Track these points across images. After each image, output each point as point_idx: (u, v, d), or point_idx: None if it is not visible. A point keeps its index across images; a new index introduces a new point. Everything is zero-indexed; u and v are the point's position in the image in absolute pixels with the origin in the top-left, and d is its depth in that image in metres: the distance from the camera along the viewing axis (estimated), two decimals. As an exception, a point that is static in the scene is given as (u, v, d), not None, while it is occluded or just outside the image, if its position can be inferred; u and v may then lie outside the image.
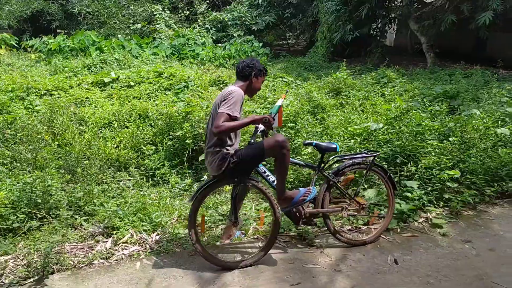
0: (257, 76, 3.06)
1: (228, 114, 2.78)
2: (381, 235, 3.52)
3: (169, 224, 3.74)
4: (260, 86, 3.14)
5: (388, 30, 17.21)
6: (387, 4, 14.31)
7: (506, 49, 15.88)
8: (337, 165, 3.41)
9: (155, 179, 4.73)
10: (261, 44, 15.12)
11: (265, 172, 3.17)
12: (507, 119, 5.54)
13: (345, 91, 7.65)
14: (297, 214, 3.17)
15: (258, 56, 13.68)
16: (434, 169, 4.11)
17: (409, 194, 3.88)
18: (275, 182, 3.07)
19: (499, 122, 5.43)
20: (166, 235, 3.56)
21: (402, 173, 4.20)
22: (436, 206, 4.02)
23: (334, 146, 3.22)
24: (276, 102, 3.25)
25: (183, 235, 3.55)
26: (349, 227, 3.70)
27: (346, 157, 3.36)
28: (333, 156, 3.44)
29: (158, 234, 3.61)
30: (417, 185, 3.98)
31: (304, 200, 3.04)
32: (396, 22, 16.92)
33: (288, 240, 3.51)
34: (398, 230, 3.65)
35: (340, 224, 3.74)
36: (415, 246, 3.41)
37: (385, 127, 4.71)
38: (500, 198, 4.28)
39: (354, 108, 6.24)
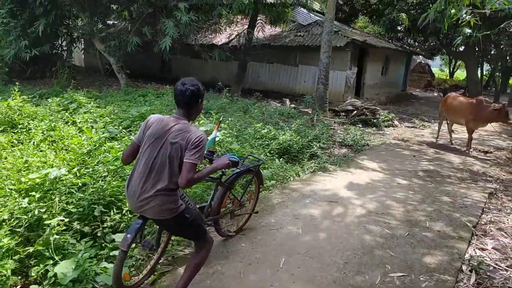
0: (202, 99, 2.75)
1: (197, 165, 2.58)
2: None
3: None
4: (202, 107, 2.85)
5: (74, 50, 15.92)
6: (68, 22, 13.03)
7: (186, 69, 17.90)
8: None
9: None
10: None
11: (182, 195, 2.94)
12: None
13: (23, 123, 6.03)
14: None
15: None
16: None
17: (116, 253, 3.06)
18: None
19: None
20: None
21: (105, 225, 3.34)
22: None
23: (237, 160, 3.18)
24: (211, 135, 3.39)
25: None
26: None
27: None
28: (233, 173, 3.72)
29: None
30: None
31: None
32: (83, 41, 15.86)
33: None
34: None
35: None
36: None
37: (76, 168, 3.70)
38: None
39: (34, 146, 4.83)
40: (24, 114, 6.22)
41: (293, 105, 12.59)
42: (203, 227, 2.90)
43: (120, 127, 5.99)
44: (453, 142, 9.30)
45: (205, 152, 3.22)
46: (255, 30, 13.67)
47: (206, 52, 13.61)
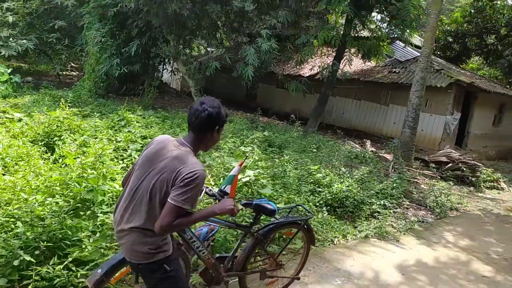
0: (221, 127, 2.21)
1: (184, 209, 1.99)
2: None
3: None
4: (220, 137, 2.31)
5: (163, 71, 16.64)
6: (158, 44, 13.56)
7: (270, 99, 17.46)
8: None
9: None
10: (9, 70, 12.05)
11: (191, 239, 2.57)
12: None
13: (61, 136, 5.88)
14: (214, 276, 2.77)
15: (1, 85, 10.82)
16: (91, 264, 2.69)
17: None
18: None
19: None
20: None
21: (39, 277, 2.61)
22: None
23: (274, 208, 2.81)
24: (231, 171, 2.89)
25: None
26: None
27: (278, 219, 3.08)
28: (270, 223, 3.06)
29: None
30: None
31: None
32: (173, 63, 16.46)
33: None
34: None
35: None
36: None
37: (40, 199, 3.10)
38: None
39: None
40: (65, 127, 6.08)
41: (373, 148, 11.05)
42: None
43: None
44: None
45: (216, 191, 2.77)
46: (341, 63, 12.60)
47: (289, 82, 12.97)
